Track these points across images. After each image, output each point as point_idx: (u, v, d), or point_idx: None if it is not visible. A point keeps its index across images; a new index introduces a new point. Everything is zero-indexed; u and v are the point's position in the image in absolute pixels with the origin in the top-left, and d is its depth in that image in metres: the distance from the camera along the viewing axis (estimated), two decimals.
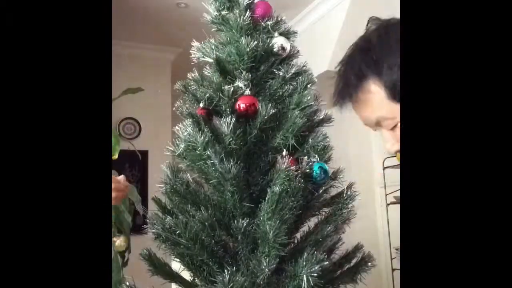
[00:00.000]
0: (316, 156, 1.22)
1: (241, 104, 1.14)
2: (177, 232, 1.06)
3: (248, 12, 1.29)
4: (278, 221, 1.06)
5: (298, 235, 1.27)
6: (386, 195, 2.88)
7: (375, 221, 3.31)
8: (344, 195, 1.29)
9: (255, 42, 1.22)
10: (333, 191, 1.32)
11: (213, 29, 1.39)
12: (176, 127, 1.26)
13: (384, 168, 2.87)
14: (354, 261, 1.34)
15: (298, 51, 1.36)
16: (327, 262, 1.14)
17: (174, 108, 1.26)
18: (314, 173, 1.19)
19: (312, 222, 1.30)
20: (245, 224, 1.13)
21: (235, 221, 1.14)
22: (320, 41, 2.88)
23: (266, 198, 1.12)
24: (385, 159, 2.82)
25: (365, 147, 3.38)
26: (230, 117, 1.13)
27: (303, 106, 1.17)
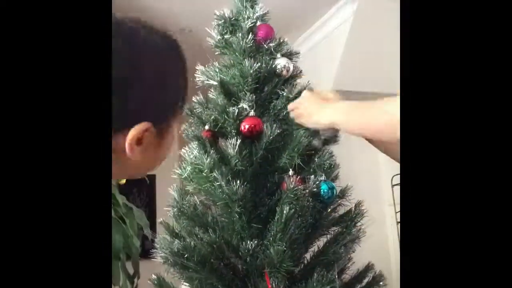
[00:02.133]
0: (323, 174, 1.22)
1: (246, 125, 1.15)
2: (185, 255, 1.05)
3: (250, 35, 1.31)
4: (285, 244, 1.05)
5: (307, 255, 1.26)
6: (396, 213, 2.85)
7: (386, 239, 3.26)
8: (353, 213, 1.28)
9: (258, 64, 1.24)
10: (342, 210, 1.31)
11: (216, 53, 1.41)
12: (183, 150, 1.27)
13: (393, 186, 2.85)
14: (365, 281, 1.32)
15: (301, 71, 1.37)
16: (338, 283, 1.13)
17: (179, 131, 1.27)
18: (322, 192, 1.19)
19: (321, 241, 1.29)
20: (253, 246, 1.12)
21: (243, 243, 1.13)
22: (324, 61, 2.91)
23: (275, 218, 1.12)
24: (393, 176, 2.80)
25: (373, 164, 3.36)
26: (235, 138, 1.13)
27: None
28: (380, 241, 3.19)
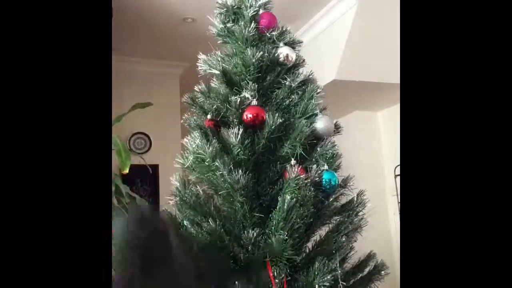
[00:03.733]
0: (325, 164, 1.22)
1: (248, 115, 1.15)
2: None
3: (253, 24, 1.30)
4: (286, 233, 1.05)
5: (309, 245, 1.26)
6: (399, 203, 2.85)
7: (388, 229, 3.27)
8: (355, 203, 1.28)
9: (261, 53, 1.23)
10: (343, 199, 1.31)
11: (219, 42, 1.41)
12: (185, 140, 1.26)
13: (396, 176, 2.84)
14: (367, 269, 1.32)
15: (303, 60, 1.36)
16: (339, 271, 1.13)
17: (182, 121, 1.27)
18: (324, 181, 1.19)
19: (323, 231, 1.29)
20: (255, 234, 1.12)
21: (245, 232, 1.13)
22: (327, 51, 2.89)
23: (277, 207, 1.12)
24: (396, 166, 2.80)
25: (376, 154, 3.35)
26: (237, 127, 1.13)
27: (309, 114, 1.17)
28: (383, 231, 3.20)
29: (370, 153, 3.32)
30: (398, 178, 2.82)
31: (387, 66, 2.49)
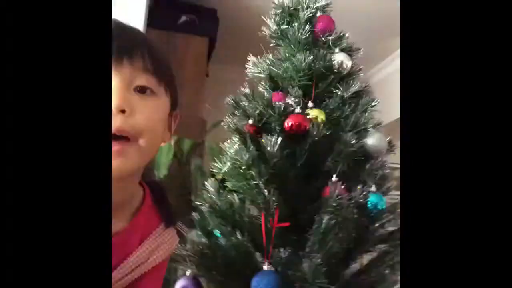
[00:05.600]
0: (373, 185, 1.09)
1: (290, 123, 1.05)
2: (210, 255, 0.98)
3: (308, 26, 1.21)
4: (321, 257, 0.94)
5: (347, 273, 1.14)
6: None
7: None
8: None
9: (311, 57, 1.13)
10: (391, 227, 1.17)
11: (271, 44, 1.33)
12: (225, 143, 1.19)
13: None
14: None
15: (360, 69, 1.24)
16: None
17: (222, 123, 1.20)
18: (369, 204, 1.06)
19: (365, 259, 1.16)
20: (286, 254, 1.02)
21: (276, 250, 1.03)
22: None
23: (313, 228, 1.01)
24: None
25: None
26: (277, 135, 1.04)
27: (359, 128, 1.06)
28: None
29: None
30: None
31: None
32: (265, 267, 0.98)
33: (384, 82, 3.09)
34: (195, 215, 1.21)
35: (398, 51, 2.95)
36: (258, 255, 1.09)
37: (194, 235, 1.20)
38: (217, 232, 1.16)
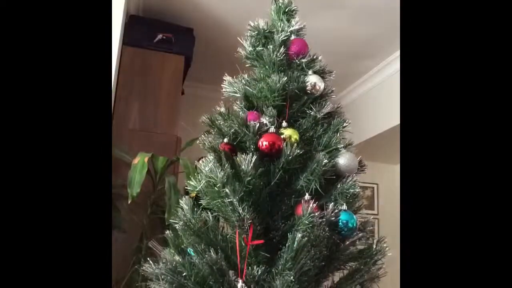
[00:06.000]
0: (344, 204, 1.12)
1: (264, 142, 1.08)
2: (183, 274, 0.98)
3: (282, 49, 1.24)
4: (293, 275, 0.96)
5: None
6: None
7: None
8: (374, 249, 1.17)
9: (285, 78, 1.16)
10: (361, 245, 1.20)
11: (247, 65, 1.36)
12: (200, 161, 1.20)
13: None
14: None
15: (332, 91, 1.29)
16: None
17: (197, 141, 1.21)
18: (340, 222, 1.09)
19: (336, 276, 1.18)
20: (259, 272, 1.03)
21: (250, 268, 1.04)
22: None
23: (286, 245, 1.03)
24: None
25: (398, 198, 3.19)
26: (251, 154, 1.06)
27: (331, 148, 1.09)
28: None
29: (392, 195, 3.18)
30: None
31: None
32: (239, 286, 0.99)
33: (355, 103, 3.16)
34: (168, 233, 1.21)
35: (369, 72, 3.02)
36: (231, 273, 1.09)
37: (167, 253, 1.19)
38: (190, 250, 1.16)
